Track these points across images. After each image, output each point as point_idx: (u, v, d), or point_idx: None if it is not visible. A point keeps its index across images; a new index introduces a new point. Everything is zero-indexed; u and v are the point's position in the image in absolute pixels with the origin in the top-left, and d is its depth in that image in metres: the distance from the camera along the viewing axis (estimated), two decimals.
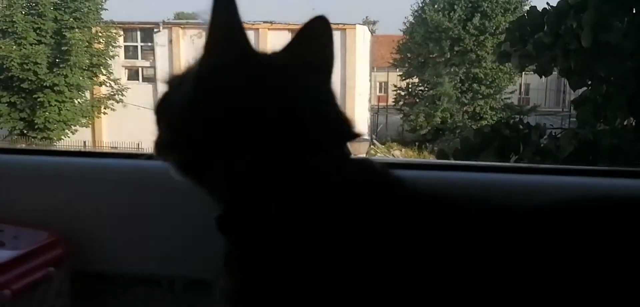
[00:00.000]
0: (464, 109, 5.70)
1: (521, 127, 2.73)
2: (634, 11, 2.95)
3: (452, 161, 2.51)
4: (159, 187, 0.98)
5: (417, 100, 10.25)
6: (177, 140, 0.68)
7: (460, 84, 6.08)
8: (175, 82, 0.71)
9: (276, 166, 0.65)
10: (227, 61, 0.65)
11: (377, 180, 0.67)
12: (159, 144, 0.70)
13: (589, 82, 3.12)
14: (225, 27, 0.64)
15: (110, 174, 1.08)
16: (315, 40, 0.72)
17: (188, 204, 0.99)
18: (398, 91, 11.11)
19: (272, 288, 0.62)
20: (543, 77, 3.25)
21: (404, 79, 11.28)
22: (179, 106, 0.68)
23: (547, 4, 2.98)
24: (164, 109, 0.72)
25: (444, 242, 0.61)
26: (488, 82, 5.65)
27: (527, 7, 3.24)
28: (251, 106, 0.66)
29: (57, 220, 0.96)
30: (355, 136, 0.68)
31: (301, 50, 0.74)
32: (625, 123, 3.21)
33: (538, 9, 2.98)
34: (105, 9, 9.93)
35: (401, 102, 11.07)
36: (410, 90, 10.77)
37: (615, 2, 2.86)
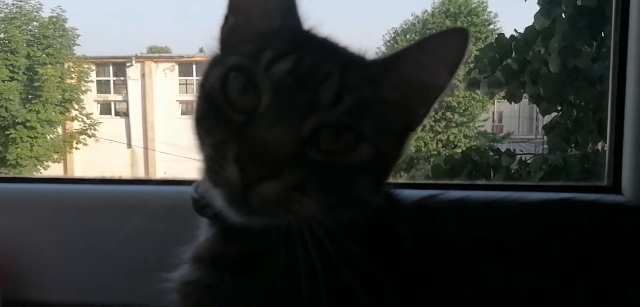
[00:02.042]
0: (438, 137, 5.71)
1: (491, 153, 2.72)
2: (603, 35, 2.98)
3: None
4: (95, 213, 0.94)
5: None
6: None
7: (433, 113, 6.14)
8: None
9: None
10: None
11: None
12: None
13: (559, 108, 3.13)
14: None
15: (45, 200, 1.04)
16: None
17: (125, 231, 0.94)
18: None
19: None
20: (514, 104, 3.27)
21: None
22: None
23: (515, 30, 3.00)
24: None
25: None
26: (461, 110, 5.68)
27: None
28: None
29: None
30: None
31: None
32: (596, 147, 3.23)
33: (506, 36, 3.00)
34: (78, 45, 9.92)
35: None
36: None
37: (583, 27, 2.88)
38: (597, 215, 0.79)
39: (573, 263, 0.69)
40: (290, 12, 0.72)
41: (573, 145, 3.09)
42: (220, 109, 0.64)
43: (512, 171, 2.67)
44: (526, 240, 0.73)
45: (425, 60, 0.67)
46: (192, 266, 0.73)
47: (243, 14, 0.72)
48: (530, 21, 2.84)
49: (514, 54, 2.92)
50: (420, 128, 0.74)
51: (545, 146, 3.37)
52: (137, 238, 0.96)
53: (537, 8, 2.83)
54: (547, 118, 3.17)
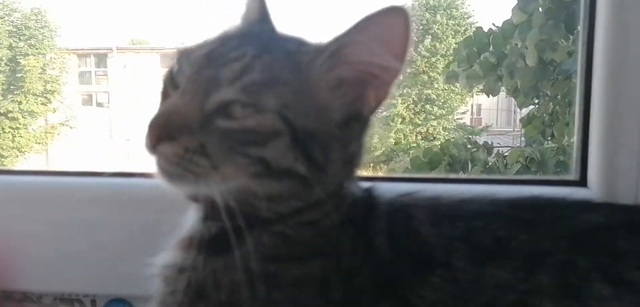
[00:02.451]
0: (417, 130, 5.74)
1: (469, 146, 2.76)
2: (579, 29, 3.02)
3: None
4: (78, 204, 0.95)
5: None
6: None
7: (413, 105, 6.13)
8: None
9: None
10: None
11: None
12: None
13: (536, 101, 3.17)
14: None
15: (28, 191, 1.04)
16: None
17: (107, 222, 0.96)
18: None
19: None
20: (492, 97, 3.31)
21: None
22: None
23: (493, 24, 3.04)
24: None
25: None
26: (440, 103, 5.70)
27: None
28: None
29: None
30: None
31: None
32: (572, 140, 3.27)
33: (484, 29, 3.04)
34: (59, 36, 9.78)
35: None
36: None
37: (559, 21, 2.92)
38: (563, 211, 0.81)
39: (538, 257, 0.72)
40: (261, 20, 0.81)
41: (550, 138, 3.15)
42: (166, 91, 0.75)
43: (490, 164, 2.71)
44: (494, 236, 0.75)
45: (363, 41, 0.70)
46: (174, 250, 0.76)
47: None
48: (508, 14, 2.88)
49: (491, 47, 2.96)
50: (374, 117, 0.75)
51: (524, 138, 3.42)
52: (120, 229, 0.97)
53: (515, 2, 2.87)
54: (525, 111, 3.22)
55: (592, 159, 1.10)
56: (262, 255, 0.69)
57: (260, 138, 0.68)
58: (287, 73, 0.70)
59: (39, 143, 10.28)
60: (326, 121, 0.71)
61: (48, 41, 10.13)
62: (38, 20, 9.81)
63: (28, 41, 9.85)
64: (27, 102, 9.73)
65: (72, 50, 11.02)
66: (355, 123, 0.74)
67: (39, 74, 9.62)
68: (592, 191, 1.09)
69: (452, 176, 1.19)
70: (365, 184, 0.82)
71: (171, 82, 0.74)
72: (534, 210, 0.80)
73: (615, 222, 0.79)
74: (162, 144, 0.68)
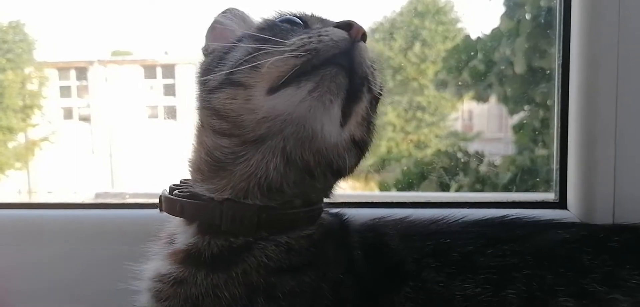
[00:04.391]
0: (409, 137, 5.75)
1: (460, 154, 2.74)
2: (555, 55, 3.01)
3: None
4: (54, 236, 0.93)
5: None
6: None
7: (404, 113, 6.16)
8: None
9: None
10: None
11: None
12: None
13: (526, 108, 3.16)
14: None
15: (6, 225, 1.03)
16: None
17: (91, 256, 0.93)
18: None
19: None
20: (483, 103, 3.30)
21: None
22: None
23: (481, 32, 3.02)
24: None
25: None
26: (432, 110, 5.73)
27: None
28: None
29: None
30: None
31: None
32: None
33: (472, 38, 3.03)
34: (36, 49, 9.73)
35: None
36: None
37: (547, 29, 2.93)
38: (530, 229, 0.85)
39: (506, 271, 0.75)
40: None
41: (541, 145, 3.13)
42: None
43: (481, 173, 2.69)
44: (464, 251, 0.79)
45: None
46: (166, 261, 0.77)
47: None
48: (497, 21, 2.87)
49: (480, 55, 2.94)
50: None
51: (514, 146, 3.41)
52: (103, 261, 0.95)
53: (503, 9, 2.87)
54: (516, 117, 3.21)
55: (571, 181, 1.10)
56: (266, 267, 0.71)
57: None
58: None
59: (20, 160, 10.18)
60: None
61: (26, 55, 10.04)
62: (16, 34, 9.70)
63: (6, 56, 9.74)
64: (6, 118, 9.61)
65: (51, 63, 10.93)
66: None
67: (18, 89, 9.53)
68: (572, 212, 1.10)
69: (435, 199, 1.19)
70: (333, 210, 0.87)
71: None
72: (501, 228, 0.85)
73: (579, 238, 0.82)
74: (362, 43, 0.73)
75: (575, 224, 0.96)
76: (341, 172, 0.76)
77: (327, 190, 0.79)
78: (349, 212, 0.87)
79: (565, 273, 0.75)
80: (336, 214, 0.86)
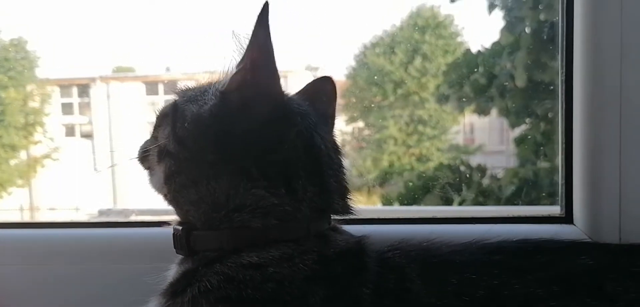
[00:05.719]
0: (411, 151, 5.73)
1: (462, 167, 2.74)
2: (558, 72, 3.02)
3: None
4: (58, 256, 0.91)
5: (364, 144, 10.41)
6: (182, 148, 0.70)
7: (405, 127, 6.14)
8: (189, 93, 0.76)
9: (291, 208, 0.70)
10: (265, 87, 0.69)
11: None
12: (149, 149, 0.73)
13: (527, 120, 3.16)
14: (266, 51, 0.70)
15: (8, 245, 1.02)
16: (320, 96, 0.83)
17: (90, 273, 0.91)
18: (344, 137, 11.17)
19: None
20: (484, 116, 3.29)
21: (349, 124, 11.55)
22: (196, 115, 0.70)
23: (482, 46, 3.03)
24: (172, 116, 0.75)
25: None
26: (433, 124, 5.71)
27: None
28: (278, 140, 0.70)
29: None
30: (349, 212, 0.80)
31: (311, 103, 0.84)
32: None
33: (472, 52, 3.03)
34: (38, 67, 9.76)
35: (347, 147, 11.21)
36: (356, 135, 10.91)
37: (549, 43, 2.94)
38: (552, 256, 0.82)
39: (532, 303, 0.73)
40: None
41: (543, 157, 3.13)
42: None
43: (484, 186, 2.69)
44: (487, 285, 0.75)
45: None
46: (157, 298, 0.75)
47: None
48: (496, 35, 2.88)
49: (481, 69, 2.95)
50: None
51: (516, 158, 3.41)
52: (104, 282, 0.93)
53: (503, 23, 2.88)
54: (518, 130, 3.21)
55: (576, 195, 1.10)
56: (213, 296, 0.67)
57: None
58: None
59: (22, 177, 10.15)
60: None
61: (28, 72, 10.05)
62: (18, 51, 9.73)
63: (8, 73, 9.76)
64: (8, 136, 9.60)
65: (53, 80, 10.94)
66: None
67: (20, 106, 9.52)
68: (579, 228, 1.09)
69: (440, 214, 1.16)
70: (358, 234, 0.82)
71: None
72: (524, 255, 0.82)
73: (603, 264, 0.80)
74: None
75: (595, 247, 0.94)
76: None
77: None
78: (352, 228, 0.84)
79: (590, 303, 0.74)
80: (358, 243, 0.79)
